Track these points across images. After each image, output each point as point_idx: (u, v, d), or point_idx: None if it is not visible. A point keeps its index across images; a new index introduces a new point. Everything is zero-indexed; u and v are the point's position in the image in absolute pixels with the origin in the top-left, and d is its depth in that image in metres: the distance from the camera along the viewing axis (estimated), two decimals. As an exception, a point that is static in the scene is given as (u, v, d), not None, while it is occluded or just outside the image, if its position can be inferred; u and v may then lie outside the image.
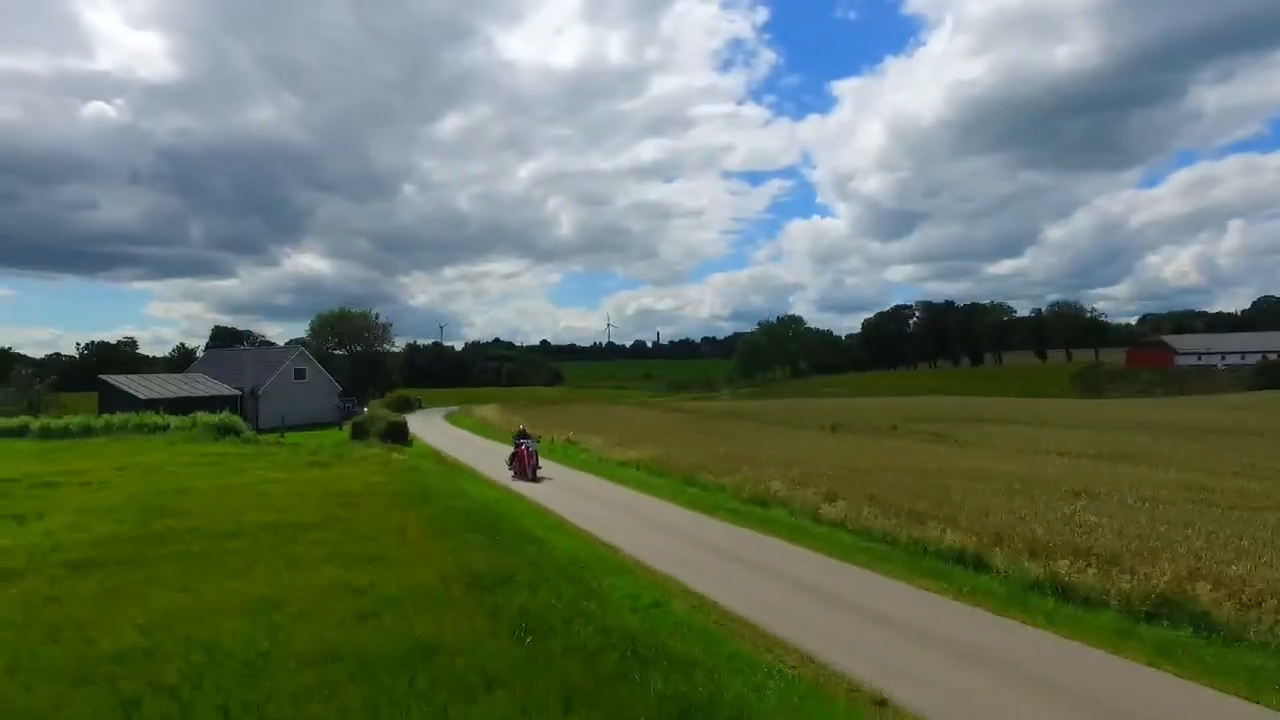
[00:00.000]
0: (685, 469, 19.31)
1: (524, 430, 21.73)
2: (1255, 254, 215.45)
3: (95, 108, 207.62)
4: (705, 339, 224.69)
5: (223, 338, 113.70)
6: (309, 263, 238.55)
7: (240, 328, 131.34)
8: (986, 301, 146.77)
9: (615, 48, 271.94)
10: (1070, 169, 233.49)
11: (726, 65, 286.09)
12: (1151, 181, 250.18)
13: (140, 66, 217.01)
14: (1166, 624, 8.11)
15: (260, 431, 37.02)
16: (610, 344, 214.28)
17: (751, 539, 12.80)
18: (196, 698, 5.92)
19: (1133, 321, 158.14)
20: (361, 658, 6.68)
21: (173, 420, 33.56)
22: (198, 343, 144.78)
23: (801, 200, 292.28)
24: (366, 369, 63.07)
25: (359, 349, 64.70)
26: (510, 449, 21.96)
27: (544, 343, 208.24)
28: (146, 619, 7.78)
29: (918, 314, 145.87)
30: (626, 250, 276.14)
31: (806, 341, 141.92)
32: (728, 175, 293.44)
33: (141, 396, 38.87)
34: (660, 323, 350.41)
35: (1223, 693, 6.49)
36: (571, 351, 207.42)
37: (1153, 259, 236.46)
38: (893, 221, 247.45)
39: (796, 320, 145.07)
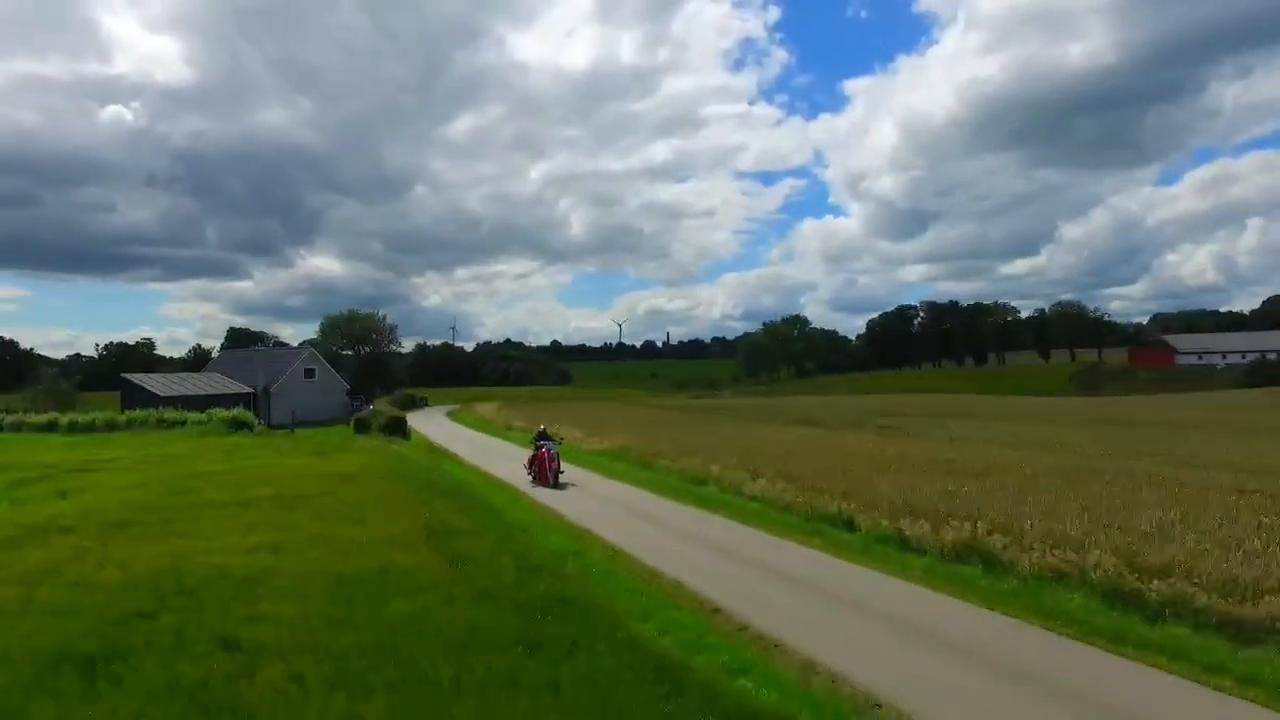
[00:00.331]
0: (645, 455, 21.64)
1: (544, 431, 19.26)
2: (1275, 253, 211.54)
3: (112, 111, 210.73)
4: (715, 339, 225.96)
5: (237, 339, 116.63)
6: (322, 264, 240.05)
7: (254, 329, 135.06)
8: (991, 301, 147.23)
9: (627, 48, 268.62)
10: (1086, 167, 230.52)
11: (738, 65, 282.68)
12: (1169, 179, 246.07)
13: (156, 70, 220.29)
14: (967, 564, 10.35)
15: (272, 427, 39.69)
16: (620, 344, 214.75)
17: (676, 508, 15.13)
18: (207, 596, 8.35)
19: (1144, 321, 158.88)
20: (333, 576, 9.10)
21: (190, 416, 36.29)
22: (213, 343, 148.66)
23: (814, 200, 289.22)
24: (374, 368, 65.82)
25: (367, 350, 67.55)
26: (524, 451, 21.93)
27: (554, 343, 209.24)
28: (171, 555, 10.24)
29: (922, 314, 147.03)
30: (638, 251, 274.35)
31: (811, 341, 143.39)
32: (740, 175, 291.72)
33: (161, 394, 41.74)
34: (672, 323, 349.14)
35: (974, 606, 8.75)
36: (581, 352, 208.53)
37: (1170, 258, 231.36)
38: (906, 221, 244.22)
39: (801, 320, 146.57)
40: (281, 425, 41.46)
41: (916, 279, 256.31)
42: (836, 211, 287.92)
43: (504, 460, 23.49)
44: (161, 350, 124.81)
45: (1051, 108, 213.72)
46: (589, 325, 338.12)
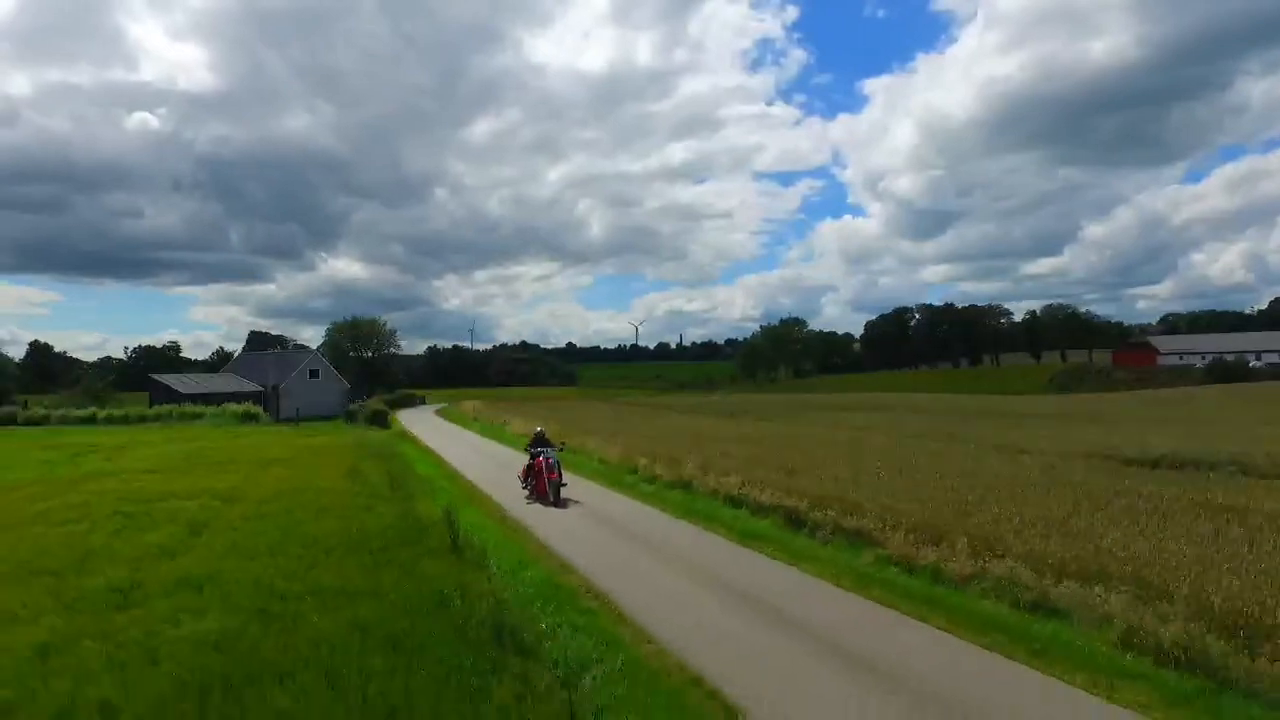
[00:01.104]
0: (556, 435, 27.54)
1: (542, 434, 16.74)
2: None
3: (139, 118, 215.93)
4: (728, 340, 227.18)
5: (257, 342, 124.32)
6: (344, 267, 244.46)
7: (277, 331, 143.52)
8: (986, 304, 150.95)
9: (644, 50, 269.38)
10: (1109, 165, 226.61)
11: (756, 65, 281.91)
12: (1195, 177, 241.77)
13: (181, 77, 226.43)
14: (675, 489, 16.09)
15: (279, 420, 46.26)
16: (634, 346, 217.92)
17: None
18: (203, 512, 14.47)
19: (1153, 322, 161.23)
20: (274, 491, 15.19)
21: (208, 410, 42.94)
22: (235, 346, 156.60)
23: (833, 200, 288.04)
24: (375, 369, 72.59)
25: (369, 353, 74.46)
26: (474, 438, 28.11)
27: (570, 345, 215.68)
28: (184, 488, 16.44)
29: (918, 317, 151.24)
30: (656, 252, 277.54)
31: (809, 344, 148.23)
32: (758, 176, 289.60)
33: (183, 392, 48.66)
34: (691, 324, 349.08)
35: (666, 513, 14.53)
36: (596, 354, 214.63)
37: (1197, 257, 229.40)
38: (926, 221, 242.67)
39: (800, 323, 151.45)
40: (288, 419, 47.99)
41: (938, 279, 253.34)
42: (856, 212, 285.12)
43: (447, 439, 29.72)
44: (188, 353, 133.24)
45: (1073, 106, 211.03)
46: (608, 327, 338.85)
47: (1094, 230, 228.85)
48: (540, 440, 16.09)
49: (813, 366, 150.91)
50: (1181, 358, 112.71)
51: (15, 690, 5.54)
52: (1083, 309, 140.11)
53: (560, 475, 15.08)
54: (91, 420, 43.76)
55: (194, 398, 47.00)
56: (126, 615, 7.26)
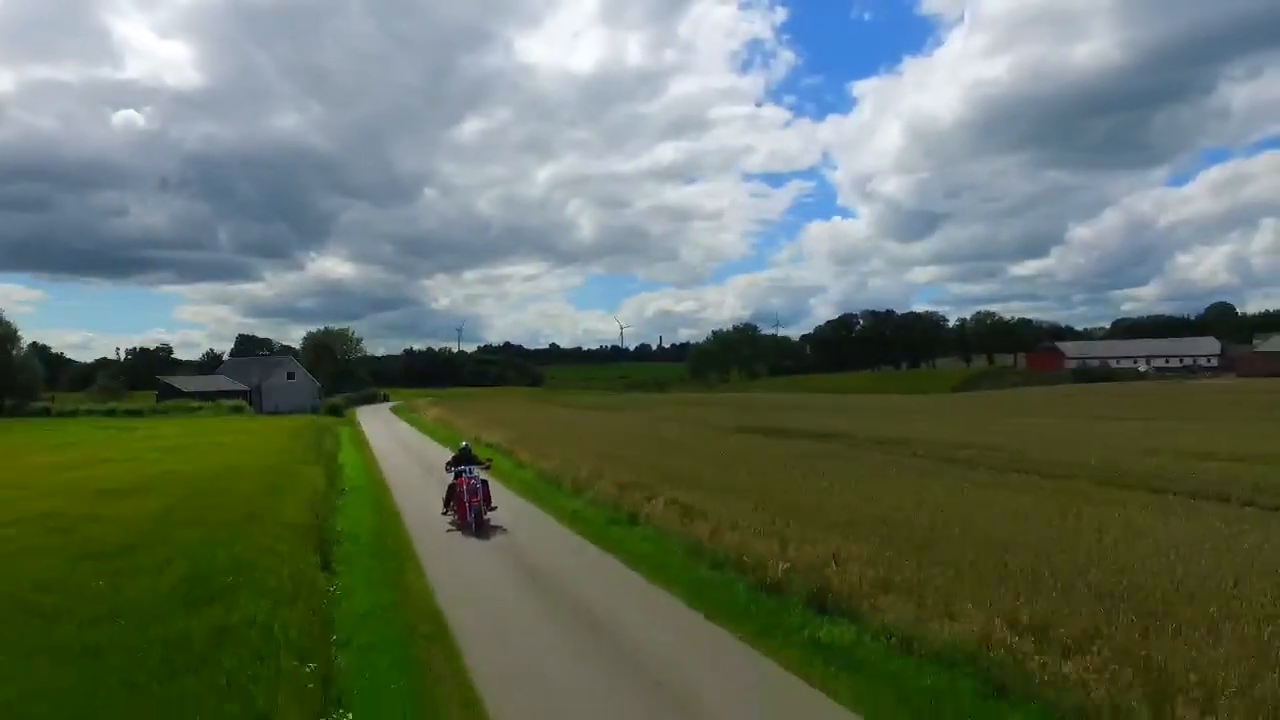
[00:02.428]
0: (529, 440, 40.34)
1: (468, 450, 14.65)
2: None
3: (125, 116, 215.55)
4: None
5: (245, 344, 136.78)
6: (332, 266, 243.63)
7: (263, 333, 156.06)
8: (923, 310, 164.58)
9: (634, 50, 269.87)
10: (1095, 168, 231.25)
11: (745, 66, 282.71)
12: (1180, 180, 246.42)
13: (168, 75, 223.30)
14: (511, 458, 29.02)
15: (261, 413, 59.03)
16: (614, 347, 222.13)
17: (423, 439, 33.94)
18: (215, 451, 27.39)
19: (1107, 325, 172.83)
20: (250, 443, 28.11)
21: (204, 405, 55.77)
22: (223, 345, 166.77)
23: (822, 201, 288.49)
24: (343, 371, 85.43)
25: (342, 358, 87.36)
26: (401, 429, 40.79)
27: (553, 345, 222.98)
28: (198, 443, 29.33)
29: (861, 322, 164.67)
30: (647, 252, 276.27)
31: (759, 348, 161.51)
32: (748, 177, 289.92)
33: (185, 390, 61.43)
34: (681, 325, 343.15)
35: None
36: (577, 355, 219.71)
37: (1183, 259, 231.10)
38: (914, 222, 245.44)
39: (752, 328, 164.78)
40: (270, 412, 60.67)
41: (926, 280, 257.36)
42: (845, 213, 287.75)
43: (380, 423, 42.41)
44: (177, 353, 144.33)
45: (1059, 109, 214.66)
46: (598, 327, 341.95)
47: (1081, 232, 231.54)
48: (465, 457, 13.77)
49: (764, 369, 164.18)
50: (1084, 362, 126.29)
51: (151, 535, 18.38)
52: (1012, 316, 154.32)
53: (487, 498, 13.12)
54: (112, 413, 56.38)
55: (193, 395, 59.85)
56: (187, 496, 20.16)
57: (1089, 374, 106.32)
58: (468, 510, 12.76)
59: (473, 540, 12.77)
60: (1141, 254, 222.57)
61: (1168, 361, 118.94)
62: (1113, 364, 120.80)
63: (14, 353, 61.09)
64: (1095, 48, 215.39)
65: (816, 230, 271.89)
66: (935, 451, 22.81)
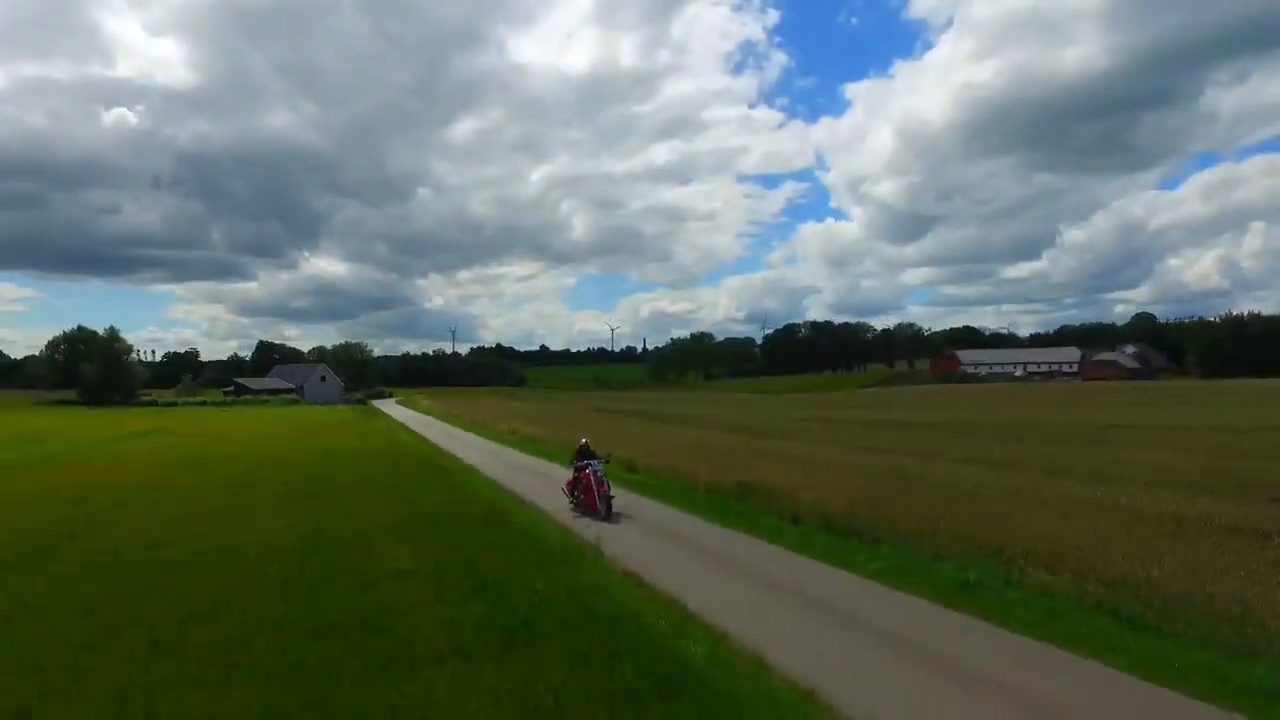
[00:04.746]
0: (476, 420, 65.55)
1: (587, 446, 14.86)
2: (1278, 256, 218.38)
3: (117, 114, 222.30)
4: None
5: (263, 348, 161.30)
6: (326, 266, 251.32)
7: (259, 330, 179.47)
8: (856, 321, 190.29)
9: (627, 51, 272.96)
10: (1086, 171, 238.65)
11: (738, 68, 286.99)
12: (1171, 184, 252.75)
13: (159, 73, 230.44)
14: (471, 430, 54.36)
15: (309, 404, 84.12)
16: (603, 349, 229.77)
17: (465, 435, 59.17)
18: (260, 448, 52.62)
19: (1034, 333, 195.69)
20: (309, 427, 53.37)
21: (270, 399, 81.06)
22: (215, 344, 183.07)
23: (816, 203, 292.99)
24: (360, 374, 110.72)
25: (355, 365, 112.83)
26: (408, 415, 65.63)
27: (543, 347, 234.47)
28: (290, 418, 54.53)
29: (804, 330, 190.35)
30: (641, 253, 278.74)
31: (714, 354, 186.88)
32: (742, 178, 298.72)
33: (253, 389, 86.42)
34: (676, 325, 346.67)
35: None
36: (566, 356, 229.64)
37: (1173, 262, 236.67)
38: (906, 225, 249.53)
39: (708, 336, 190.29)
40: (314, 403, 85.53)
41: (919, 282, 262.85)
42: (838, 215, 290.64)
43: (395, 411, 67.43)
44: (167, 348, 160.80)
45: (1048, 112, 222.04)
46: (593, 328, 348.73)
47: (1073, 235, 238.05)
48: (585, 453, 14.42)
49: (722, 371, 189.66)
50: (975, 367, 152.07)
51: (253, 477, 43.41)
52: (927, 328, 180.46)
53: (609, 488, 13.49)
54: (204, 404, 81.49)
55: (260, 391, 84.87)
56: (288, 448, 45.35)
57: (970, 377, 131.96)
58: (596, 498, 13.20)
59: (435, 421, 37.88)
60: (1133, 257, 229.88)
61: (1040, 367, 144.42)
62: (998, 369, 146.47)
63: (126, 359, 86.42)
64: (1082, 52, 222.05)
65: (810, 232, 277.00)
66: (688, 420, 47.99)
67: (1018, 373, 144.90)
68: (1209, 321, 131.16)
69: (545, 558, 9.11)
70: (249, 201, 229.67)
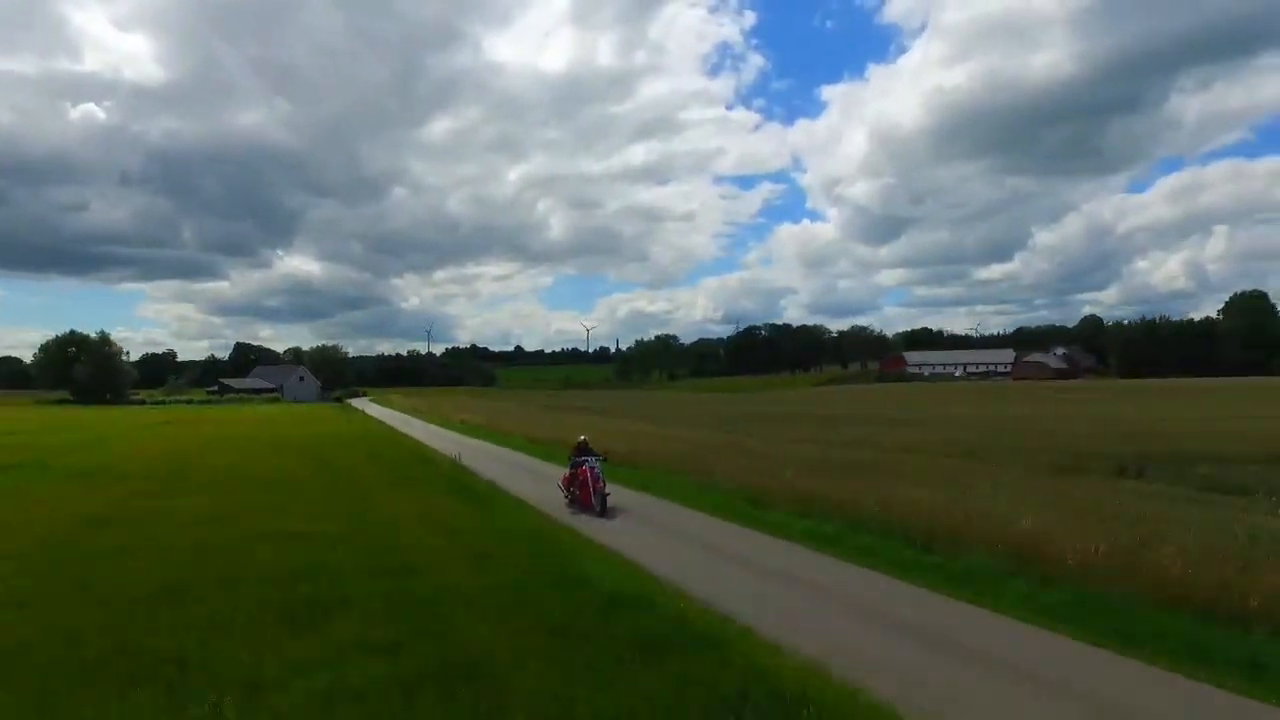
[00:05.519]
0: (437, 414, 74.09)
1: (585, 443, 15.11)
2: (1240, 259, 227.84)
3: (84, 110, 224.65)
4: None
5: (240, 349, 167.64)
6: (300, 265, 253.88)
7: (232, 329, 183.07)
8: (812, 324, 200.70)
9: (604, 51, 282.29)
10: (1056, 175, 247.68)
11: (715, 69, 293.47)
12: (1139, 188, 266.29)
13: (128, 68, 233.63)
14: (431, 421, 63.09)
15: (289, 403, 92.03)
16: (577, 350, 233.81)
17: (423, 424, 67.76)
18: (327, 430, 61.11)
19: (999, 334, 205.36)
20: (297, 417, 61.88)
21: (252, 397, 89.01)
22: (185, 344, 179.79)
23: (792, 204, 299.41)
24: (335, 375, 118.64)
25: (332, 366, 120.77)
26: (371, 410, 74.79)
27: (518, 348, 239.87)
28: (276, 413, 62.95)
29: (764, 332, 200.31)
30: (618, 253, 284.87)
31: (677, 355, 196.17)
32: (719, 179, 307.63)
33: (237, 388, 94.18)
34: (653, 326, 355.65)
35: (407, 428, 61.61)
36: (540, 357, 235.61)
37: (1141, 264, 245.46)
38: (881, 226, 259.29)
39: (672, 338, 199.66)
40: (294, 401, 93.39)
41: (893, 283, 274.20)
42: (814, 216, 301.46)
43: (370, 408, 75.82)
44: (140, 351, 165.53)
45: (1019, 116, 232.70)
46: (570, 328, 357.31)
47: (1043, 237, 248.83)
48: (584, 449, 14.70)
49: (687, 371, 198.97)
50: (920, 368, 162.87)
51: (274, 446, 51.98)
52: (879, 330, 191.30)
53: (605, 485, 13.75)
54: (190, 402, 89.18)
55: (243, 390, 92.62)
56: (289, 436, 53.91)
57: (914, 377, 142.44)
58: (591, 495, 13.45)
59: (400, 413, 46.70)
60: (1102, 259, 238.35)
61: (978, 367, 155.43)
62: (940, 369, 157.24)
63: (117, 360, 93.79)
64: (1051, 58, 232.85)
65: (786, 233, 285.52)
66: (615, 413, 56.98)
67: (957, 373, 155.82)
68: (1126, 324, 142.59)
69: (437, 469, 18.17)
70: (221, 199, 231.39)
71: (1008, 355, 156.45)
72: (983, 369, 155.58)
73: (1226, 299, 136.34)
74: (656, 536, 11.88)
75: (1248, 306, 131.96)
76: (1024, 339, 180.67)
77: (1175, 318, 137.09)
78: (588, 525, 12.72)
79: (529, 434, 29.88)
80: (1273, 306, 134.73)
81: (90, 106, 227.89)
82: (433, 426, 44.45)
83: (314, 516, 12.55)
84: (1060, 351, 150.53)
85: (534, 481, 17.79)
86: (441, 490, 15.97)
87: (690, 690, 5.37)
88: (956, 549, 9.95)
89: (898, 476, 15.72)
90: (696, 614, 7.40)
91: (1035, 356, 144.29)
